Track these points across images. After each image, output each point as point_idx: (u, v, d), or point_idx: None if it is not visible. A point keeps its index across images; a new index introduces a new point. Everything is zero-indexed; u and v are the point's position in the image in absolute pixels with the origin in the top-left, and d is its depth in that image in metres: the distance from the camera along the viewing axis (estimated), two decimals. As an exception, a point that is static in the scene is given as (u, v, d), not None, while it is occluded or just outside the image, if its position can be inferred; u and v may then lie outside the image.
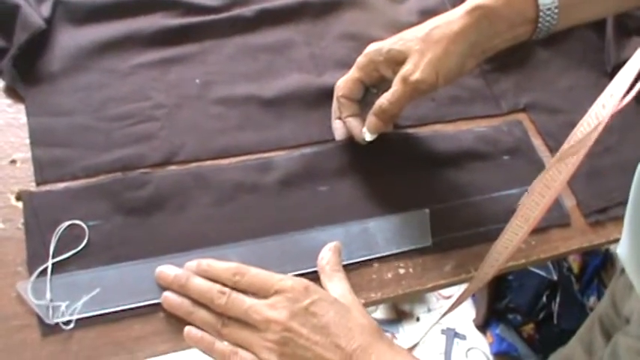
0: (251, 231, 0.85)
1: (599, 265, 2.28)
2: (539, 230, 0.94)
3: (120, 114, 0.92)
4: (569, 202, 0.98)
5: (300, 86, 1.00)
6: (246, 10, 1.07)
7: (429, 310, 2.25)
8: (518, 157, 1.01)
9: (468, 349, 2.20)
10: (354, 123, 0.92)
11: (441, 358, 2.17)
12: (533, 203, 0.77)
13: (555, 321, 2.13)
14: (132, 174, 0.87)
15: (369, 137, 0.90)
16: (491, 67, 1.10)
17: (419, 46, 0.84)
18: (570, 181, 0.98)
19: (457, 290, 2.30)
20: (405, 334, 2.18)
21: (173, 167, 0.89)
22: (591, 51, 1.17)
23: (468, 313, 2.28)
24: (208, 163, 0.91)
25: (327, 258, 0.82)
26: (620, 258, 0.78)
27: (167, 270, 0.79)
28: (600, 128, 0.69)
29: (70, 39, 0.99)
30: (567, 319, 2.11)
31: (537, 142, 1.03)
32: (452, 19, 0.84)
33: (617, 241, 0.97)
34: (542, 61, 1.14)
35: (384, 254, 0.87)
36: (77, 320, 0.76)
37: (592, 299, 2.22)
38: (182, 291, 0.77)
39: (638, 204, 0.70)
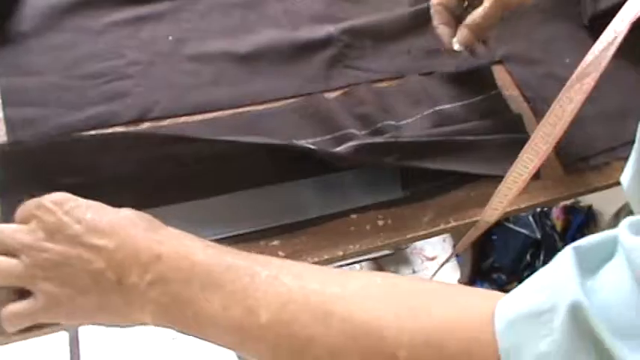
0: (228, 184, 0.85)
1: (582, 223, 2.28)
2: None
3: (93, 72, 0.91)
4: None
5: (274, 41, 0.99)
6: (218, -33, 1.06)
7: (414, 272, 2.26)
8: (494, 107, 1.00)
9: (454, 310, 2.21)
10: (445, 31, 0.95)
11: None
12: (544, 135, 0.79)
13: (540, 279, 2.14)
14: (111, 130, 0.87)
15: (457, 47, 0.94)
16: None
17: None
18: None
19: (441, 251, 2.31)
20: (391, 295, 2.19)
21: (147, 124, 0.89)
22: (567, 3, 1.16)
23: (452, 273, 2.28)
24: (182, 119, 0.90)
25: None
26: (623, 187, 0.79)
27: None
28: (618, 41, 0.75)
29: (40, -2, 0.98)
30: (551, 278, 2.12)
31: (515, 94, 1.03)
32: None
33: (596, 190, 0.97)
34: (518, 14, 1.14)
35: (359, 205, 0.87)
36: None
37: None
38: None
39: None
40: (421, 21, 1.07)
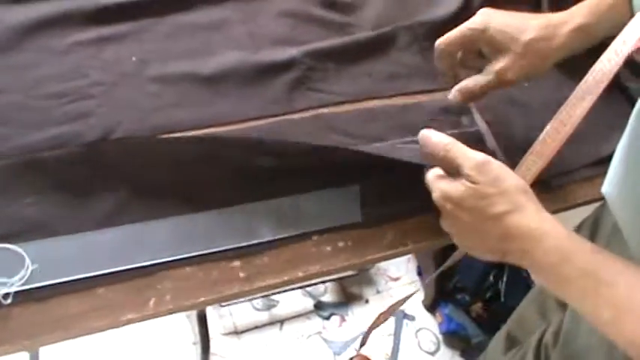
0: (186, 206, 0.86)
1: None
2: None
3: (56, 92, 0.92)
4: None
5: (237, 63, 1.00)
6: (184, -12, 1.07)
7: (378, 292, 2.26)
8: (458, 131, 1.01)
9: (418, 330, 2.21)
10: (444, 71, 0.98)
11: (391, 340, 2.18)
12: (549, 139, 0.84)
13: (503, 299, 2.15)
14: (69, 151, 0.87)
15: (451, 97, 0.96)
16: (429, 44, 1.11)
17: (520, 49, 0.90)
18: (507, 152, 1.00)
19: (405, 272, 2.32)
20: (354, 316, 2.18)
21: (109, 144, 0.89)
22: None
23: (416, 294, 2.29)
24: (146, 140, 0.90)
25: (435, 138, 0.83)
26: (606, 197, 0.81)
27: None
28: (620, 62, 0.79)
29: (2, 18, 0.98)
30: (514, 297, 2.12)
31: (477, 117, 1.04)
32: (555, 34, 0.91)
33: (558, 211, 0.99)
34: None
35: (317, 229, 0.88)
36: (15, 295, 0.75)
37: (533, 274, 2.26)
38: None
39: (633, 142, 0.72)
40: (383, 45, 1.09)
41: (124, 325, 0.78)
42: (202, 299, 0.81)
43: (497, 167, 0.77)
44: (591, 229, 1.07)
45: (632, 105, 0.72)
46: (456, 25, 1.05)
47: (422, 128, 0.99)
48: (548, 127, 0.85)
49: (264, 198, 0.88)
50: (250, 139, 0.93)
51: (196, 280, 0.81)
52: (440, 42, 0.94)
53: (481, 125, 1.02)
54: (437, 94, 1.06)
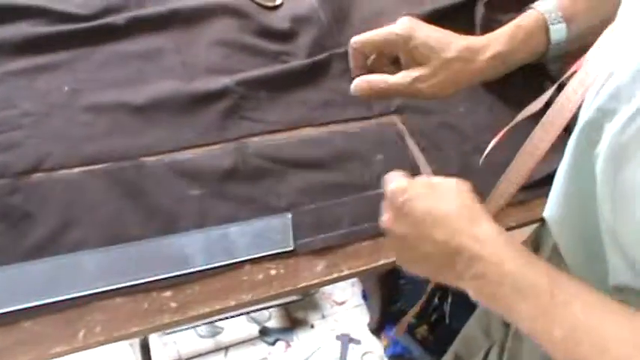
0: (117, 236, 0.85)
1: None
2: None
3: (-16, 123, 0.91)
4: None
5: (170, 93, 1.01)
6: (117, 18, 1.07)
7: (324, 317, 2.26)
8: (391, 157, 1.03)
9: (364, 354, 2.22)
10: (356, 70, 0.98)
11: (337, 364, 2.18)
12: (519, 166, 0.87)
13: (448, 321, 2.16)
14: (0, 181, 0.86)
15: (352, 91, 0.94)
16: (363, 71, 1.12)
17: (439, 65, 0.91)
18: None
19: (351, 295, 2.32)
20: (300, 341, 2.19)
21: (40, 175, 0.88)
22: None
23: (362, 318, 2.30)
24: (76, 170, 0.90)
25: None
26: (547, 221, 0.83)
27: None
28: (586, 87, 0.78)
29: None
30: (459, 319, 2.13)
31: (410, 142, 1.05)
32: (474, 59, 0.92)
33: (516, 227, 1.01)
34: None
35: (247, 258, 0.88)
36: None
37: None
38: None
39: (573, 167, 0.74)
40: (317, 73, 1.09)
41: (52, 358, 0.77)
42: (133, 330, 0.80)
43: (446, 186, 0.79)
44: (532, 249, 1.07)
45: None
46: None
47: (356, 155, 1.01)
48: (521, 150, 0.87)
49: (195, 227, 0.88)
50: (181, 168, 0.93)
51: (127, 311, 0.81)
52: (357, 40, 0.95)
53: (415, 152, 1.04)
54: (372, 121, 1.08)
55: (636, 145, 0.61)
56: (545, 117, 0.85)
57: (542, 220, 1.05)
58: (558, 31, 0.96)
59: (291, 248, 0.89)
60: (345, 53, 1.11)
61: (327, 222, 0.92)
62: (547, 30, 0.96)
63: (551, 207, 0.82)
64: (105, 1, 1.09)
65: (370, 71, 0.96)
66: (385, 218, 0.78)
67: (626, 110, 0.62)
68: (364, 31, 1.17)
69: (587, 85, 0.78)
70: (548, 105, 0.87)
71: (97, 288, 0.81)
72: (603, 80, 0.68)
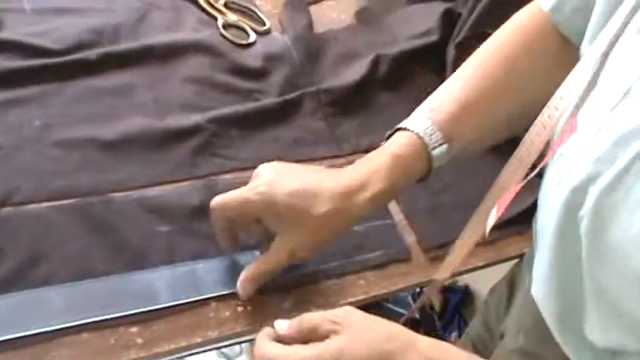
0: (85, 272, 0.85)
1: (459, 302, 2.34)
2: (378, 266, 0.96)
3: (-45, 156, 0.91)
4: (410, 238, 1.01)
5: (142, 129, 1.01)
6: (90, 54, 1.08)
7: (295, 352, 2.26)
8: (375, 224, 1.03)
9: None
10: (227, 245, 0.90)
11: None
12: (493, 201, 0.80)
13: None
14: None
15: (242, 297, 0.87)
16: (333, 111, 1.14)
17: (313, 224, 0.82)
18: (410, 218, 1.02)
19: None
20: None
21: (8, 209, 0.88)
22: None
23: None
24: (45, 204, 0.90)
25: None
26: (534, 296, 0.81)
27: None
28: (554, 124, 0.75)
29: None
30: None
31: (392, 206, 1.05)
32: (351, 205, 0.83)
33: (455, 275, 1.01)
34: (386, 104, 1.19)
35: (214, 295, 0.88)
36: None
37: (454, 335, 2.28)
38: None
39: (557, 235, 0.72)
40: (288, 111, 1.11)
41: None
42: (99, 366, 0.80)
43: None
44: (508, 287, 1.08)
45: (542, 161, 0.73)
46: (358, 93, 1.07)
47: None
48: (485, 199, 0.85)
49: (163, 263, 0.88)
50: (149, 204, 0.94)
51: (93, 347, 0.80)
52: (215, 204, 0.85)
53: (396, 216, 1.04)
54: (342, 160, 1.08)
55: (623, 205, 0.61)
56: (513, 155, 0.81)
57: (515, 258, 1.06)
58: (440, 155, 0.86)
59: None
60: (317, 92, 1.13)
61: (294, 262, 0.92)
62: (428, 155, 0.85)
63: (537, 283, 0.80)
64: (78, 37, 1.10)
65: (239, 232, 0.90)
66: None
67: (610, 172, 0.62)
68: (335, 70, 1.20)
69: (556, 119, 0.75)
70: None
71: (63, 323, 0.80)
72: (584, 144, 0.68)
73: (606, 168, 0.63)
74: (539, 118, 0.78)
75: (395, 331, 0.72)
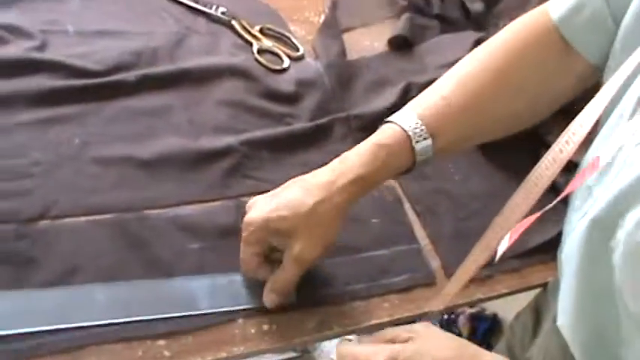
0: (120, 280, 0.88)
1: (487, 330, 2.34)
2: (403, 289, 0.98)
3: (-3, 170, 0.94)
4: (435, 263, 1.02)
5: (176, 149, 1.04)
6: (128, 75, 1.11)
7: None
8: (387, 220, 1.05)
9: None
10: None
11: None
12: (497, 230, 0.83)
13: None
14: (8, 226, 0.89)
15: (269, 305, 0.89)
16: (363, 136, 1.11)
17: (305, 223, 0.85)
18: (436, 243, 1.04)
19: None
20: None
21: (46, 222, 0.91)
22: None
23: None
24: (82, 219, 0.93)
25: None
26: (560, 328, 0.81)
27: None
28: (565, 158, 0.76)
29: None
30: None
31: (407, 206, 1.08)
32: (334, 192, 0.86)
33: (480, 301, 1.02)
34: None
35: (249, 307, 0.90)
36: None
37: (482, 363, 2.27)
38: None
39: (585, 263, 0.73)
40: (319, 136, 1.13)
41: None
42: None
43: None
44: (534, 315, 1.09)
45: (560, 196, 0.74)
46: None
47: (352, 217, 1.03)
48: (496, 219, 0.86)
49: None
50: (182, 222, 0.97)
51: (121, 357, 0.83)
52: (244, 270, 0.90)
53: (411, 217, 1.06)
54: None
55: None
56: (520, 186, 0.83)
57: (539, 287, 1.07)
58: (424, 149, 0.89)
59: (293, 300, 0.91)
60: (347, 117, 1.16)
61: (321, 281, 0.95)
62: (412, 148, 0.88)
63: (564, 312, 0.81)
64: (118, 59, 1.13)
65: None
66: None
67: (639, 209, 0.63)
68: (367, 97, 1.22)
69: (567, 153, 0.76)
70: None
71: (106, 319, 0.84)
72: (609, 178, 0.70)
73: (634, 201, 0.64)
74: (549, 152, 0.79)
75: (465, 343, 0.79)
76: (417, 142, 0.88)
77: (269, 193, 0.90)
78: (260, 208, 0.87)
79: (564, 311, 0.80)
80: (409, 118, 0.89)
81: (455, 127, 0.91)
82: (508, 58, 0.93)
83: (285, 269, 0.86)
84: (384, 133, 0.89)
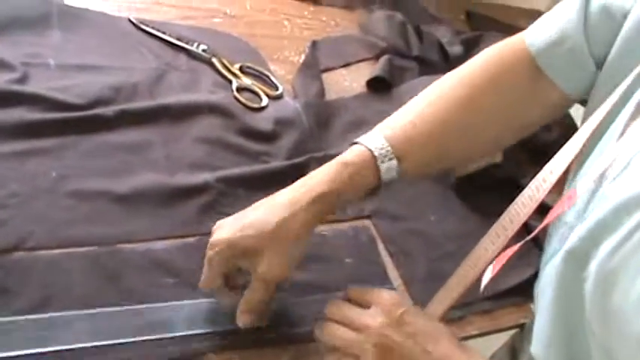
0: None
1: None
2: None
3: (-28, 201, 0.94)
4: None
5: (152, 184, 1.04)
6: (107, 110, 1.12)
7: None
8: (360, 260, 1.07)
9: None
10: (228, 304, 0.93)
11: None
12: (464, 271, 0.87)
13: None
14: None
15: (242, 325, 0.90)
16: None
17: (270, 242, 0.85)
18: (408, 284, 1.05)
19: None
20: None
21: (21, 253, 0.91)
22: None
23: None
24: (56, 251, 0.93)
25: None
26: (534, 357, 0.83)
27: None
28: (545, 190, 0.79)
29: None
30: None
31: (380, 247, 1.10)
32: (297, 209, 0.86)
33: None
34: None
35: (224, 329, 0.91)
36: None
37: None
38: None
39: (557, 305, 0.75)
40: (295, 174, 1.12)
41: None
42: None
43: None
44: (510, 355, 1.10)
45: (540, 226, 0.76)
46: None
47: (325, 257, 1.04)
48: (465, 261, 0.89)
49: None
50: (156, 257, 0.97)
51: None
52: (201, 286, 0.91)
53: (384, 257, 1.08)
54: (345, 224, 1.12)
55: (624, 271, 0.64)
56: (495, 224, 0.85)
57: (511, 329, 1.08)
58: (389, 170, 0.90)
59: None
60: (324, 157, 1.16)
61: (294, 318, 0.96)
62: (377, 168, 0.90)
63: (537, 342, 0.83)
64: (98, 93, 1.14)
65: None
66: (376, 324, 0.79)
67: (613, 238, 0.65)
68: (344, 137, 1.24)
69: (542, 191, 0.79)
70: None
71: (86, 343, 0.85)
72: (586, 210, 0.72)
73: (608, 233, 0.66)
74: (525, 190, 0.82)
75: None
76: (382, 162, 0.89)
77: (236, 215, 0.90)
78: (226, 229, 0.87)
79: (538, 340, 0.82)
80: (376, 139, 0.91)
81: (421, 150, 0.93)
82: (479, 82, 0.95)
83: (254, 289, 0.87)
84: (351, 153, 0.91)
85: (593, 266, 0.67)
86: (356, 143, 0.92)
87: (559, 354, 0.78)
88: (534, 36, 0.93)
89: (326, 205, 0.88)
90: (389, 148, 0.90)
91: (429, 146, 0.93)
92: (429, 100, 0.96)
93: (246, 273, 0.88)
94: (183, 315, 0.91)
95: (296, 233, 0.86)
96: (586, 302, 0.69)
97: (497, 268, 0.79)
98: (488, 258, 0.83)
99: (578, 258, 0.70)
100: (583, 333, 0.72)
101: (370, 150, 0.89)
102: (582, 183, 0.75)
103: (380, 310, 0.81)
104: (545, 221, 0.76)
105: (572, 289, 0.72)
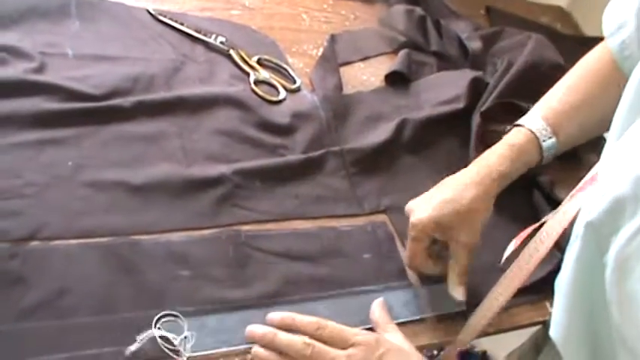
0: (106, 307, 0.88)
1: (476, 366, 2.35)
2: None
3: (-11, 190, 0.94)
4: (424, 300, 1.03)
5: (168, 175, 1.04)
6: (124, 101, 1.11)
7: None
8: (378, 256, 1.07)
9: None
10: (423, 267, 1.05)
11: None
12: (498, 293, 0.92)
13: None
14: (2, 245, 0.89)
15: (461, 297, 1.00)
16: (355, 170, 1.16)
17: (465, 215, 0.99)
18: (423, 281, 1.05)
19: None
20: None
21: (36, 243, 0.91)
22: (455, 159, 1.23)
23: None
24: (72, 241, 0.93)
25: (377, 312, 0.96)
26: (554, 340, 0.82)
27: (255, 328, 0.89)
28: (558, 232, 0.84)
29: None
30: None
31: (398, 243, 1.09)
32: (483, 187, 1.01)
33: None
34: (408, 167, 1.22)
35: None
36: None
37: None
38: (271, 346, 0.87)
39: (578, 277, 0.75)
40: (311, 168, 1.14)
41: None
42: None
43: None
44: (533, 352, 1.13)
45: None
46: (381, 155, 1.10)
47: (343, 252, 1.04)
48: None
49: (182, 305, 0.91)
50: (172, 249, 0.97)
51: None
52: (409, 264, 1.04)
53: (402, 253, 1.07)
54: (362, 219, 1.11)
55: (636, 260, 0.63)
56: (539, 232, 0.88)
57: (527, 326, 1.08)
58: (550, 146, 1.06)
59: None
60: (340, 151, 1.16)
61: (307, 314, 0.94)
62: (539, 146, 1.06)
63: (556, 326, 0.82)
64: (115, 84, 1.13)
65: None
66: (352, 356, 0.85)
67: (630, 226, 0.64)
68: (360, 131, 1.23)
69: (561, 228, 0.83)
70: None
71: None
72: (604, 187, 0.71)
73: (626, 221, 0.65)
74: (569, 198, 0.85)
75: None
76: (544, 141, 1.06)
77: (423, 196, 1.05)
78: (423, 209, 1.01)
79: (556, 326, 0.81)
80: (535, 121, 1.08)
81: (572, 126, 1.09)
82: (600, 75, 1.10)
83: (458, 257, 1.00)
84: (516, 136, 1.08)
85: (612, 252, 0.67)
86: (518, 125, 1.09)
87: (579, 336, 0.78)
88: None
89: (503, 182, 1.04)
90: (548, 128, 1.07)
91: (579, 120, 1.10)
92: (571, 83, 1.12)
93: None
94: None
95: (484, 207, 1.01)
96: (606, 284, 0.68)
97: (518, 242, 0.93)
98: (530, 267, 0.88)
99: (599, 243, 0.69)
100: (602, 317, 0.72)
101: (533, 132, 1.06)
102: (602, 166, 0.78)
103: (359, 350, 0.86)
104: (566, 203, 0.83)
105: (591, 270, 0.71)
